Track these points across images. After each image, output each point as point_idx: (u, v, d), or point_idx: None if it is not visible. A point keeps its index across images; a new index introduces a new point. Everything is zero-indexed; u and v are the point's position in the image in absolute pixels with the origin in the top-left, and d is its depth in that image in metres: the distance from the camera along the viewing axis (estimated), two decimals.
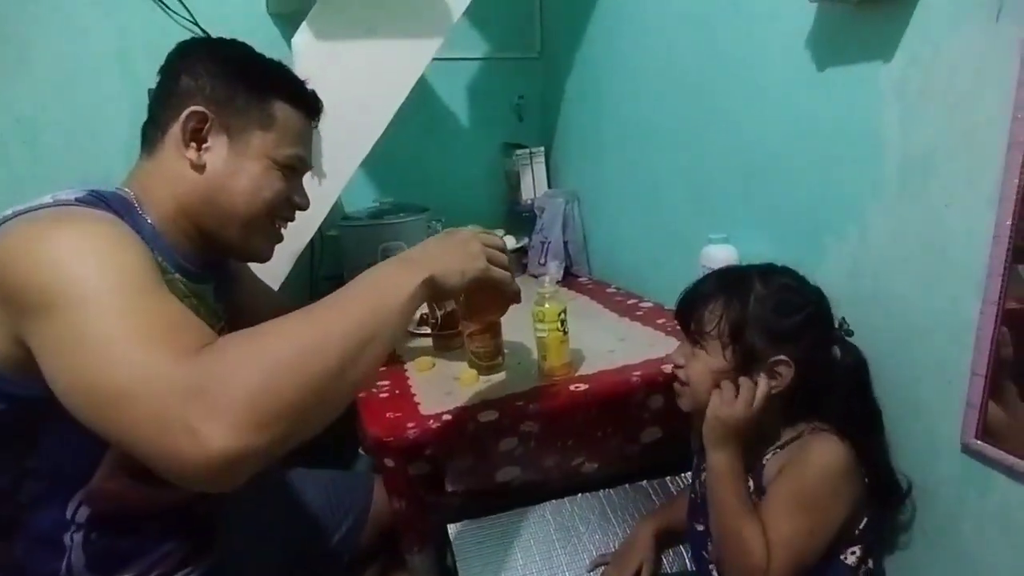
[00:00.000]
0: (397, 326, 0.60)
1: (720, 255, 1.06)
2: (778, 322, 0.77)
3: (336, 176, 1.26)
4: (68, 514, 0.67)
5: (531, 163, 1.81)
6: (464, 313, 0.98)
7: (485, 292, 0.79)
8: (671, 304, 1.32)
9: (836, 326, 0.82)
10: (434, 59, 1.29)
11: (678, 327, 1.19)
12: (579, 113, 1.72)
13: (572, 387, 0.96)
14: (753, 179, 1.05)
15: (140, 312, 0.53)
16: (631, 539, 0.97)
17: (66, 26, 1.46)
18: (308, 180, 0.90)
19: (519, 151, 1.81)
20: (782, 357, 0.76)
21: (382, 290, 0.61)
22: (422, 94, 1.74)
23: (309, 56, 1.20)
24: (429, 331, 1.21)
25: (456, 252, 0.72)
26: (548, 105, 1.90)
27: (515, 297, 0.85)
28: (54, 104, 1.48)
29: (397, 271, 0.65)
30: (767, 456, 0.80)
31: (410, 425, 0.88)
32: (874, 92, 0.80)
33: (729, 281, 0.82)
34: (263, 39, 0.84)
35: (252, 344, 0.52)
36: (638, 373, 1.00)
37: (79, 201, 0.67)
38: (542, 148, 1.82)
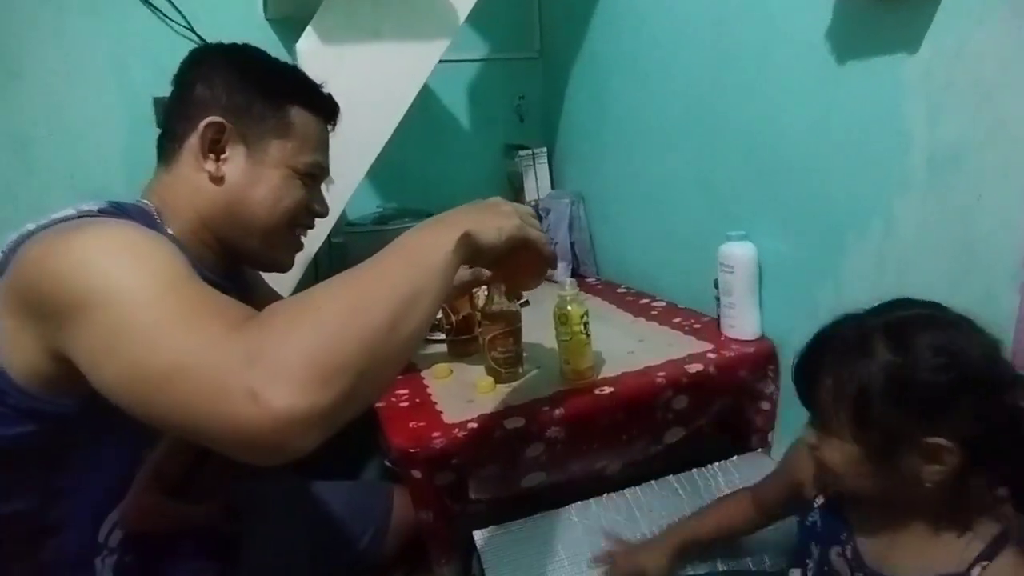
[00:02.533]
0: (441, 283, 0.57)
1: (739, 252, 1.06)
2: (915, 395, 0.56)
3: (345, 182, 1.24)
4: (101, 537, 0.65)
5: (534, 164, 1.80)
6: (503, 279, 0.90)
7: (520, 258, 0.75)
8: (685, 302, 1.33)
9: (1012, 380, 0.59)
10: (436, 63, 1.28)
11: (696, 325, 1.20)
12: (582, 112, 1.71)
13: (597, 390, 0.95)
14: (771, 175, 1.05)
15: (181, 298, 0.51)
16: (649, 550, 0.89)
17: (59, 36, 1.43)
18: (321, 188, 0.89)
19: (521, 152, 1.79)
20: (940, 441, 0.56)
21: (422, 247, 0.59)
22: (422, 97, 1.70)
23: (315, 61, 1.18)
24: (444, 337, 1.19)
25: (489, 211, 0.69)
26: (549, 105, 1.89)
27: (552, 260, 0.80)
28: (49, 115, 1.45)
29: (433, 230, 0.62)
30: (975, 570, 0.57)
31: (435, 435, 0.87)
32: (898, 86, 0.80)
33: (844, 347, 0.61)
34: (261, 45, 0.82)
35: (300, 307, 0.50)
36: (662, 374, 0.99)
37: (102, 212, 0.65)
38: (544, 149, 1.81)
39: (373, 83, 1.22)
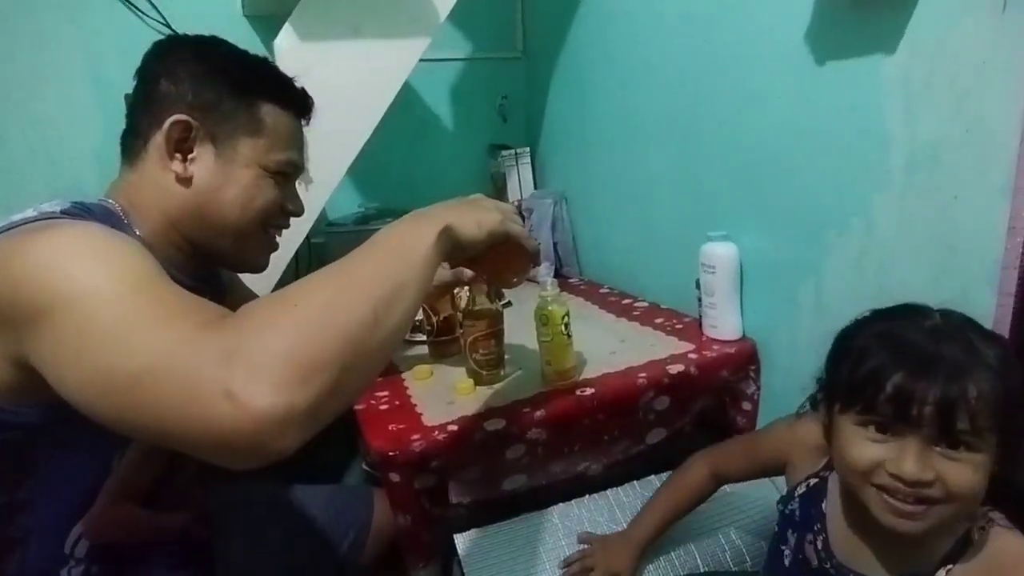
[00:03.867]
0: (422, 276, 0.56)
1: (721, 252, 1.05)
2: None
3: (324, 182, 1.22)
4: (67, 548, 0.63)
5: (517, 164, 1.80)
6: (486, 277, 0.90)
7: (503, 255, 0.74)
8: (667, 303, 1.33)
9: None
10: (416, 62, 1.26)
11: (678, 325, 1.20)
12: (565, 112, 1.71)
13: (579, 391, 0.94)
14: (751, 175, 1.05)
15: (149, 299, 0.49)
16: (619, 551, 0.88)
17: (30, 31, 1.40)
18: (298, 187, 0.87)
19: (504, 152, 1.79)
20: None
21: (403, 241, 0.57)
22: (404, 96, 1.69)
23: (292, 58, 1.16)
24: (425, 338, 1.18)
25: (470, 206, 0.68)
26: (532, 105, 1.88)
27: (535, 254, 0.78)
28: (19, 112, 1.41)
29: (413, 223, 0.60)
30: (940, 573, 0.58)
31: (415, 437, 0.86)
32: (877, 85, 0.80)
33: (966, 351, 0.55)
34: (239, 42, 0.80)
35: (278, 303, 0.49)
36: (643, 375, 0.98)
37: (65, 213, 0.63)
38: (527, 149, 1.81)
39: (353, 81, 1.20)
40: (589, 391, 0.95)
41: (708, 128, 1.13)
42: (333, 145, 1.19)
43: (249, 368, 0.43)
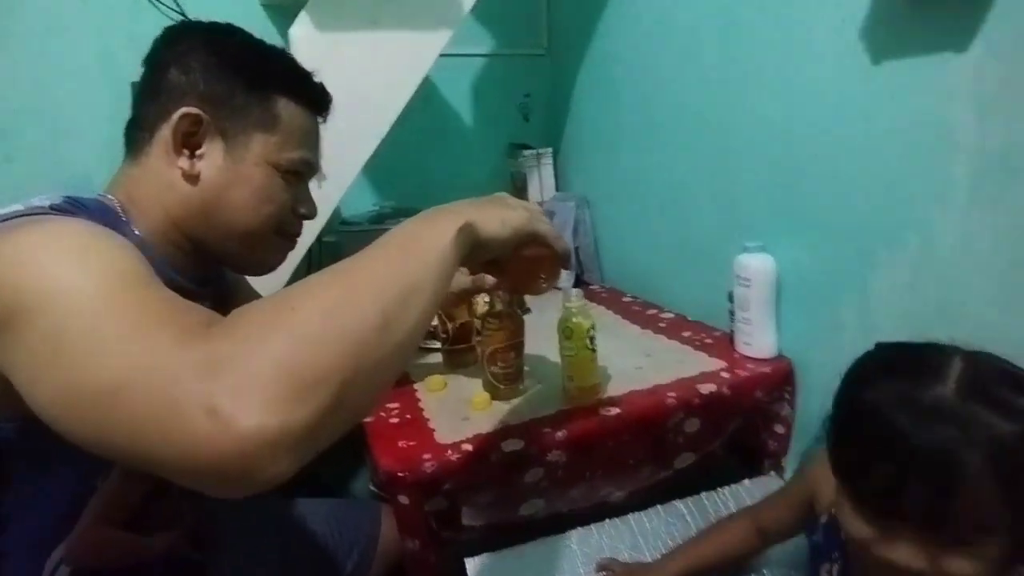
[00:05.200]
0: (439, 278, 0.50)
1: (757, 264, 0.98)
2: None
3: (338, 180, 1.17)
4: (46, 573, 0.58)
5: (538, 165, 1.73)
6: (511, 282, 0.79)
7: (529, 258, 0.67)
8: (695, 315, 1.26)
9: None
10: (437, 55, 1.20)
11: (707, 340, 1.13)
12: (589, 112, 1.64)
13: (603, 411, 0.88)
14: (792, 183, 0.98)
15: (130, 302, 0.44)
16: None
17: (41, 18, 1.36)
18: (309, 184, 0.82)
19: (525, 152, 1.73)
20: None
21: (417, 239, 0.51)
22: (423, 92, 1.64)
23: (307, 49, 1.11)
24: (439, 345, 1.12)
25: (493, 203, 0.62)
26: (556, 104, 1.82)
27: (565, 257, 0.70)
28: (29, 101, 1.37)
29: (429, 220, 0.54)
30: None
31: (426, 457, 0.80)
32: (942, 86, 0.72)
33: (971, 433, 0.47)
34: (255, 32, 0.74)
35: (273, 307, 0.43)
36: (672, 394, 0.91)
37: (54, 208, 0.58)
38: (549, 149, 1.75)
39: (370, 74, 1.15)
40: (614, 411, 0.88)
41: (746, 131, 1.06)
42: (348, 141, 1.14)
43: (236, 381, 0.37)
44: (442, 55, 1.22)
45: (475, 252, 0.57)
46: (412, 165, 1.74)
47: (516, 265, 0.68)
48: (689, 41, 1.19)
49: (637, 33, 1.36)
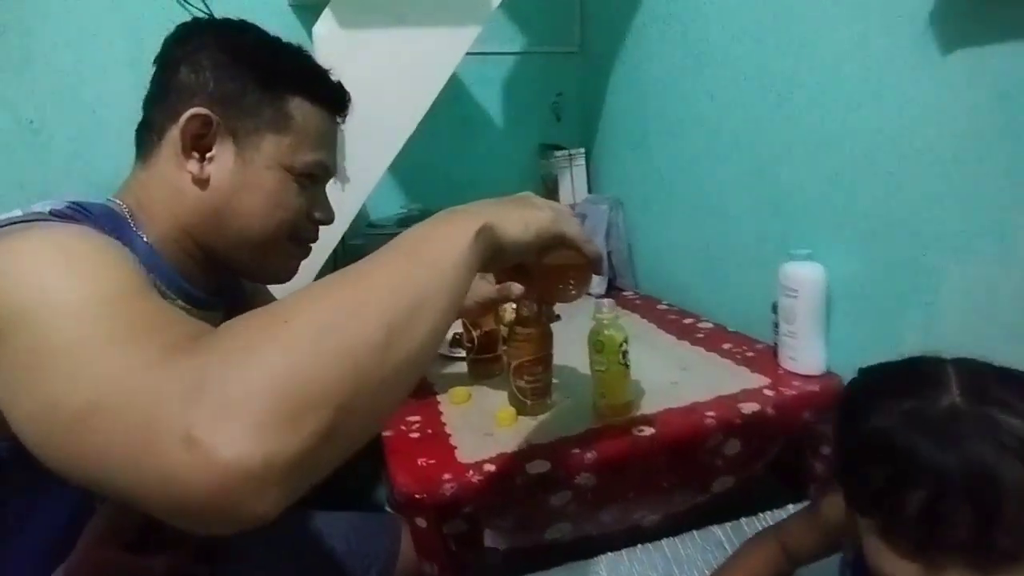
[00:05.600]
0: (454, 286, 0.45)
1: (805, 274, 0.91)
2: None
3: (362, 181, 1.13)
4: None
5: (570, 166, 1.68)
6: (537, 290, 0.72)
7: (556, 264, 0.62)
8: (736, 325, 1.18)
9: None
10: (465, 53, 1.16)
11: (748, 354, 1.05)
12: (624, 111, 1.58)
13: (635, 430, 0.82)
14: (844, 185, 0.90)
15: (116, 314, 0.40)
16: None
17: (73, 20, 1.36)
18: (331, 186, 0.78)
19: (557, 153, 1.67)
20: None
21: (431, 242, 0.46)
22: (451, 91, 1.61)
23: (331, 46, 1.08)
24: (464, 354, 1.07)
25: (515, 203, 0.56)
26: (588, 103, 1.75)
27: (596, 262, 0.64)
28: (60, 103, 1.38)
29: (443, 221, 0.49)
30: None
31: (446, 477, 0.75)
32: (1016, 81, 0.64)
33: (994, 437, 0.44)
34: (282, 32, 0.71)
35: (266, 320, 0.38)
36: (712, 414, 0.85)
37: (54, 214, 0.55)
38: (582, 150, 1.68)
39: (396, 72, 1.11)
40: (648, 431, 0.82)
41: (793, 128, 0.99)
42: (373, 141, 1.10)
43: (218, 405, 0.33)
44: (471, 53, 1.18)
45: (496, 257, 0.52)
46: (441, 166, 1.70)
47: (542, 271, 0.63)
48: (730, 35, 1.12)
49: (674, 29, 1.29)
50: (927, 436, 0.45)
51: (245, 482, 0.32)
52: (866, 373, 0.55)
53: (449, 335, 1.18)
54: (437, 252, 0.46)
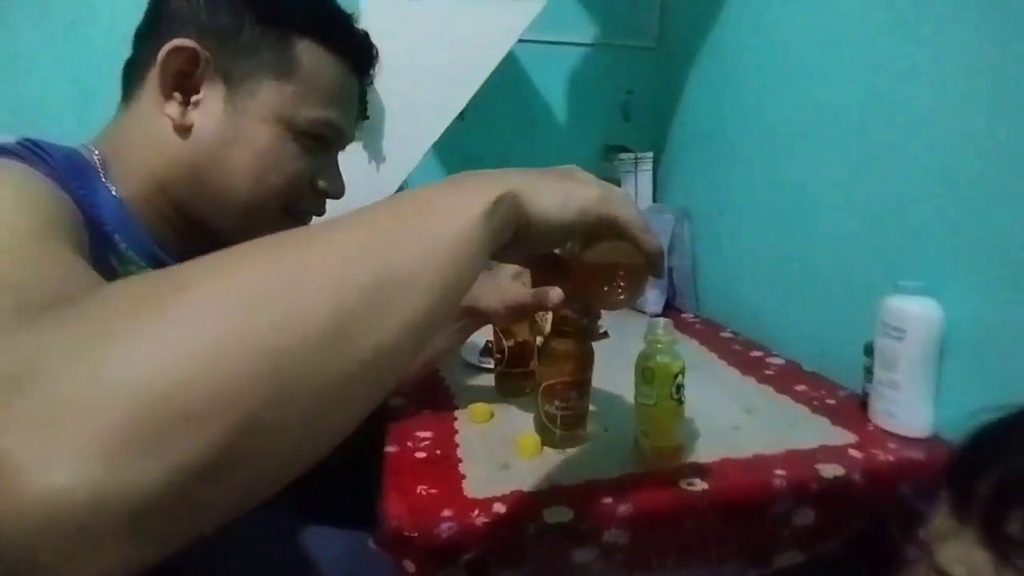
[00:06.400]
0: (449, 271, 0.32)
1: (915, 311, 0.73)
2: None
3: (399, 162, 1.03)
4: None
5: (635, 170, 1.53)
6: (577, 288, 0.53)
7: (603, 262, 0.48)
8: (813, 364, 1.00)
9: None
10: (529, 41, 1.04)
11: (829, 401, 0.88)
12: (700, 113, 1.42)
13: (684, 482, 0.67)
14: (973, 203, 0.72)
15: None
16: None
17: None
18: (364, 163, 0.67)
19: (623, 155, 1.53)
20: None
21: (429, 206, 0.34)
22: (511, 80, 1.51)
23: (378, 12, 0.97)
24: (494, 366, 0.94)
25: (554, 173, 0.44)
26: (661, 103, 1.60)
27: (656, 258, 0.47)
28: (109, 65, 1.34)
29: (454, 184, 0.37)
30: None
31: (446, 514, 0.62)
32: None
33: None
34: None
35: (159, 283, 0.27)
36: (781, 472, 0.69)
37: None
38: (650, 154, 1.54)
39: (447, 44, 1.00)
40: (699, 484, 0.67)
41: (906, 135, 0.82)
42: (416, 118, 1.00)
43: (46, 405, 0.22)
44: (538, 41, 1.07)
45: (522, 239, 0.39)
46: (496, 159, 1.58)
47: (584, 266, 0.49)
48: (828, 31, 0.95)
49: (764, 24, 1.14)
50: None
51: (63, 525, 0.21)
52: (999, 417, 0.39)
53: (481, 342, 1.06)
54: (432, 220, 0.33)
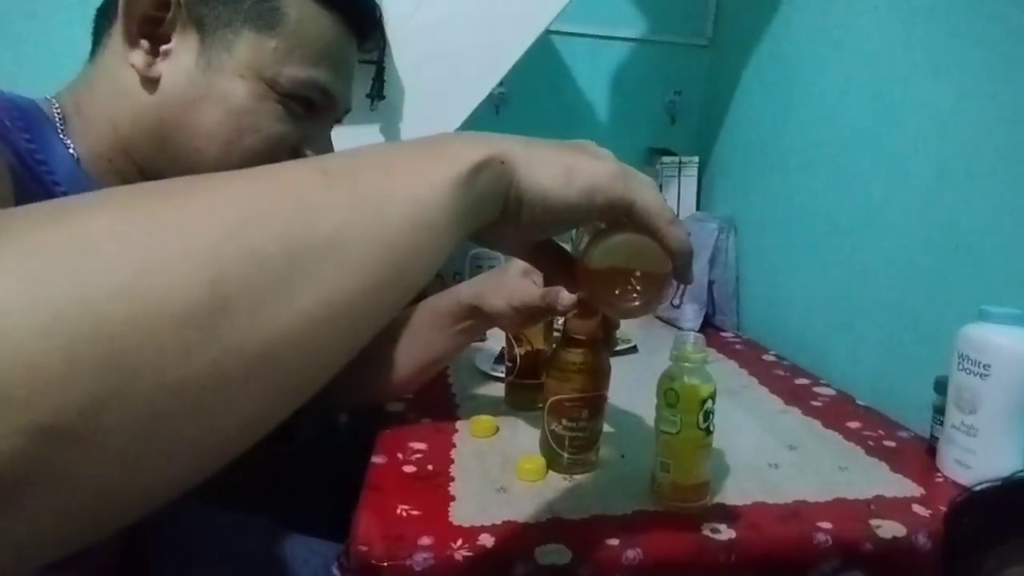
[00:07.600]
0: (404, 244, 0.25)
1: (1003, 343, 0.61)
2: None
3: None
4: None
5: (679, 175, 1.43)
6: (586, 289, 0.42)
7: (614, 259, 0.39)
8: (869, 398, 0.87)
9: None
10: (572, 34, 0.96)
11: (888, 443, 0.75)
12: (753, 118, 1.32)
13: (707, 528, 0.56)
14: None
15: None
16: None
17: None
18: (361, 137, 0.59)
19: (666, 159, 1.43)
20: None
21: (389, 163, 0.27)
22: (551, 75, 1.44)
23: None
24: (504, 375, 0.86)
25: (562, 145, 0.35)
26: (711, 105, 1.50)
27: (681, 256, 0.37)
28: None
29: (437, 141, 0.30)
30: None
31: (424, 543, 0.53)
32: None
33: None
34: None
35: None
36: (827, 526, 0.57)
37: None
38: (695, 158, 1.43)
39: (474, 22, 0.92)
40: (725, 532, 0.56)
41: (997, 144, 0.70)
42: (437, 100, 0.92)
43: None
44: (582, 35, 0.99)
45: (509, 217, 0.31)
46: None
47: (589, 262, 0.39)
48: (904, 29, 0.84)
49: (829, 23, 1.04)
50: None
51: None
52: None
53: (496, 348, 0.97)
54: (386, 182, 0.26)
